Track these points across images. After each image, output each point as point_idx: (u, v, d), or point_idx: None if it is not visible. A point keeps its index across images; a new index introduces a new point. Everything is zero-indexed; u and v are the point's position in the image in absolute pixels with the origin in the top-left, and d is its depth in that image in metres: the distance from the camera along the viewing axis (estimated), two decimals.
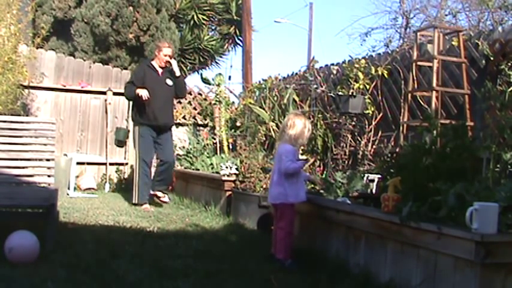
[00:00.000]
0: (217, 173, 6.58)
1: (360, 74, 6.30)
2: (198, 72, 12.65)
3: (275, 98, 7.41)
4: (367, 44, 23.76)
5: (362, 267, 3.28)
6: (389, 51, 6.71)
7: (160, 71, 6.44)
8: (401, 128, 5.77)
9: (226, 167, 6.22)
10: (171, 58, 6.46)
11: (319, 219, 3.88)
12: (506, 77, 4.87)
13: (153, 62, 6.52)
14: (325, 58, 48.25)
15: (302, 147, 6.39)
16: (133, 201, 6.33)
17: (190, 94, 9.32)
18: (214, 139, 8.22)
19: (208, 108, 8.96)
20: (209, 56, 12.73)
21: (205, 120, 9.06)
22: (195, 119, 9.11)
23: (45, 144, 4.64)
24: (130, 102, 6.84)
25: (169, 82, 6.45)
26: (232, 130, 8.22)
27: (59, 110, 8.53)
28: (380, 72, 6.35)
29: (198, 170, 7.64)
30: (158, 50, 6.47)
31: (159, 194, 6.51)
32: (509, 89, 4.51)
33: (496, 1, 7.92)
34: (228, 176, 6.09)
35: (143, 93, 6.13)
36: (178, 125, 8.98)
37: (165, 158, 6.41)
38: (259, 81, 8.86)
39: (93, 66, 8.91)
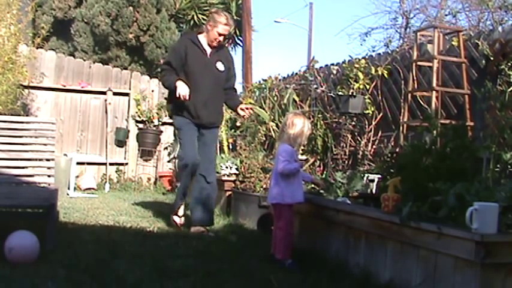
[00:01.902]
0: (217, 173, 6.57)
1: (360, 74, 6.31)
2: None
3: (275, 98, 7.41)
4: (367, 44, 23.79)
5: (362, 267, 3.28)
6: (389, 51, 6.72)
7: (208, 50, 4.85)
8: (401, 128, 5.77)
9: (226, 167, 6.21)
10: (224, 39, 4.94)
11: (319, 219, 3.87)
12: (506, 77, 4.87)
13: (201, 37, 4.89)
14: (325, 58, 48.25)
15: (302, 147, 6.40)
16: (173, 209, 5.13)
17: None
18: None
19: None
20: None
21: None
22: None
23: (45, 144, 4.64)
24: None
25: (220, 67, 4.86)
26: (232, 130, 8.22)
27: (59, 110, 8.53)
28: (380, 72, 6.35)
29: None
30: (213, 24, 4.76)
31: (200, 228, 4.81)
32: (509, 89, 4.51)
33: (496, 1, 7.92)
34: (228, 176, 6.09)
35: (182, 92, 4.56)
36: None
37: (202, 167, 4.80)
38: (259, 81, 8.86)
39: (93, 66, 8.92)
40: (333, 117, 6.73)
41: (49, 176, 4.51)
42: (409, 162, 3.34)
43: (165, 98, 6.30)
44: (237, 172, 6.06)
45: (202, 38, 4.86)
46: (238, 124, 8.26)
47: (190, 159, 4.70)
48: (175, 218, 5.06)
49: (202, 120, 4.79)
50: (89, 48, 10.46)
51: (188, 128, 4.77)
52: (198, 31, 5.05)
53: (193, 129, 4.78)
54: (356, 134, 6.56)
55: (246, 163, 6.00)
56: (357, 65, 6.38)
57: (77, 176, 8.04)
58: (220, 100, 4.95)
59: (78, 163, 8.03)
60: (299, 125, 3.72)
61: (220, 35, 4.77)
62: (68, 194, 7.26)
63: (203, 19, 12.30)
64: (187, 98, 4.58)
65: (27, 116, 7.81)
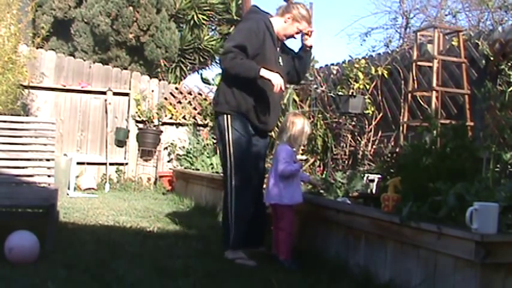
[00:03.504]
0: (217, 173, 6.57)
1: (360, 74, 6.32)
2: (198, 72, 12.66)
3: None
4: (367, 44, 23.70)
5: (362, 267, 3.28)
6: (389, 51, 6.73)
7: (277, 42, 3.90)
8: (401, 128, 5.77)
9: None
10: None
11: (319, 219, 3.87)
12: (506, 77, 4.88)
13: (275, 23, 3.85)
14: (325, 58, 48.14)
15: (302, 147, 6.39)
16: (228, 245, 3.75)
17: (190, 94, 9.34)
18: (214, 139, 8.22)
19: (208, 108, 8.97)
20: (209, 56, 12.73)
21: (205, 120, 9.06)
22: (195, 119, 9.12)
23: (45, 144, 4.64)
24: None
25: (281, 62, 3.94)
26: None
27: (59, 110, 8.54)
28: (380, 72, 6.36)
29: (198, 170, 7.65)
30: (297, 17, 3.82)
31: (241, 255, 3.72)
32: (509, 89, 4.51)
33: (496, 1, 7.92)
34: None
35: (279, 80, 3.60)
36: (178, 125, 9.00)
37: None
38: None
39: (93, 66, 8.92)
40: (333, 117, 6.73)
41: (49, 176, 4.51)
42: (409, 162, 3.34)
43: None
44: None
45: (277, 26, 3.86)
46: None
47: (249, 169, 3.77)
48: (242, 256, 3.69)
49: (269, 126, 3.92)
50: (89, 48, 10.46)
51: (249, 136, 3.79)
52: (269, 14, 3.93)
53: (250, 136, 3.81)
54: (356, 134, 6.57)
55: None
56: (357, 65, 6.39)
57: (77, 176, 8.04)
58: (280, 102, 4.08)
59: (78, 163, 8.03)
60: (299, 124, 3.72)
61: (298, 32, 3.90)
62: (68, 194, 7.26)
63: (203, 19, 12.32)
64: (283, 88, 3.66)
65: (27, 116, 7.82)
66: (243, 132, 3.74)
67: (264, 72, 3.58)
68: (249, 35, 3.69)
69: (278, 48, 3.90)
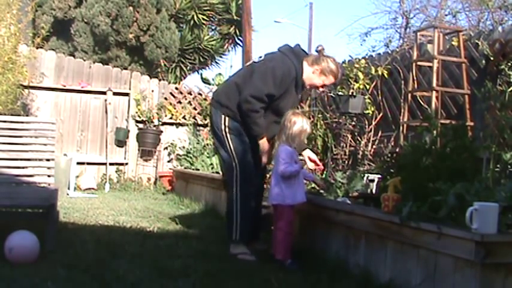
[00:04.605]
0: (217, 173, 6.56)
1: (360, 74, 6.31)
2: (198, 72, 12.68)
3: None
4: (367, 44, 23.75)
5: (362, 267, 3.28)
6: (389, 51, 6.73)
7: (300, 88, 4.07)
8: (401, 128, 5.77)
9: None
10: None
11: (319, 219, 3.87)
12: (506, 77, 4.87)
13: (304, 69, 3.95)
14: None
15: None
16: (233, 237, 3.92)
17: (190, 94, 9.34)
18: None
19: (208, 108, 8.96)
20: (209, 56, 12.74)
21: (205, 120, 9.06)
22: (195, 119, 9.12)
23: (45, 144, 4.64)
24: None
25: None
26: None
27: (59, 110, 8.54)
28: (380, 72, 6.36)
29: (198, 170, 7.65)
30: (326, 72, 3.92)
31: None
32: (509, 89, 4.51)
33: (496, 1, 7.93)
34: None
35: (263, 152, 3.94)
36: (178, 125, 9.00)
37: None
38: None
39: (93, 66, 8.92)
40: (333, 117, 6.73)
41: (49, 176, 4.51)
42: (409, 162, 3.34)
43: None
44: None
45: (306, 75, 3.97)
46: None
47: (250, 166, 3.96)
48: (243, 250, 3.89)
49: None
50: (89, 48, 10.47)
51: (243, 135, 3.95)
52: (302, 58, 3.97)
53: (247, 138, 3.99)
54: (356, 134, 6.57)
55: None
56: (357, 65, 6.39)
57: (77, 176, 8.04)
58: None
59: (78, 163, 8.03)
60: (298, 123, 3.71)
61: (323, 86, 4.07)
62: (68, 194, 7.26)
63: (203, 19, 12.32)
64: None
65: (27, 116, 7.82)
66: (241, 131, 3.95)
67: (261, 144, 3.91)
68: (280, 83, 3.85)
69: (300, 95, 4.09)
